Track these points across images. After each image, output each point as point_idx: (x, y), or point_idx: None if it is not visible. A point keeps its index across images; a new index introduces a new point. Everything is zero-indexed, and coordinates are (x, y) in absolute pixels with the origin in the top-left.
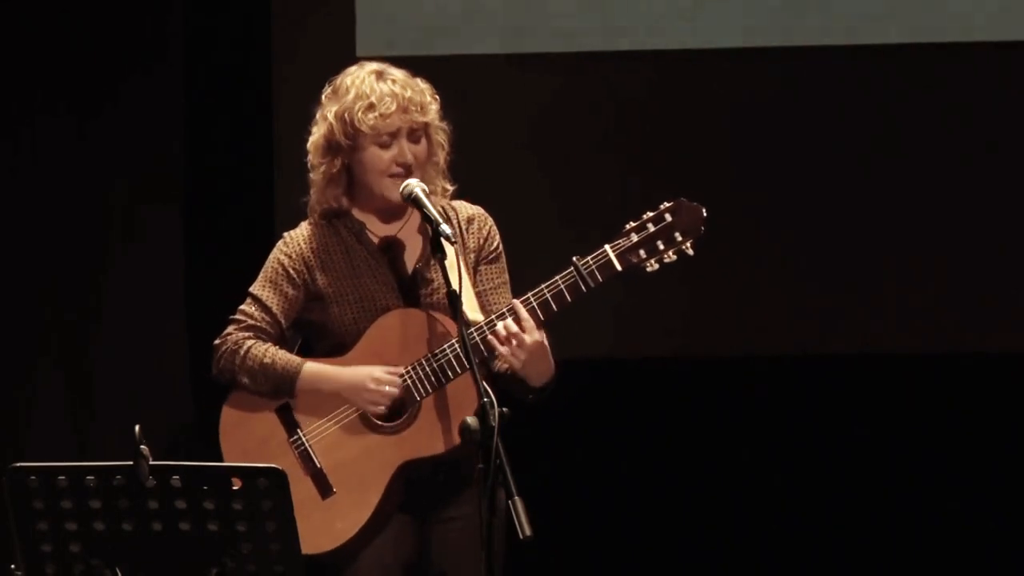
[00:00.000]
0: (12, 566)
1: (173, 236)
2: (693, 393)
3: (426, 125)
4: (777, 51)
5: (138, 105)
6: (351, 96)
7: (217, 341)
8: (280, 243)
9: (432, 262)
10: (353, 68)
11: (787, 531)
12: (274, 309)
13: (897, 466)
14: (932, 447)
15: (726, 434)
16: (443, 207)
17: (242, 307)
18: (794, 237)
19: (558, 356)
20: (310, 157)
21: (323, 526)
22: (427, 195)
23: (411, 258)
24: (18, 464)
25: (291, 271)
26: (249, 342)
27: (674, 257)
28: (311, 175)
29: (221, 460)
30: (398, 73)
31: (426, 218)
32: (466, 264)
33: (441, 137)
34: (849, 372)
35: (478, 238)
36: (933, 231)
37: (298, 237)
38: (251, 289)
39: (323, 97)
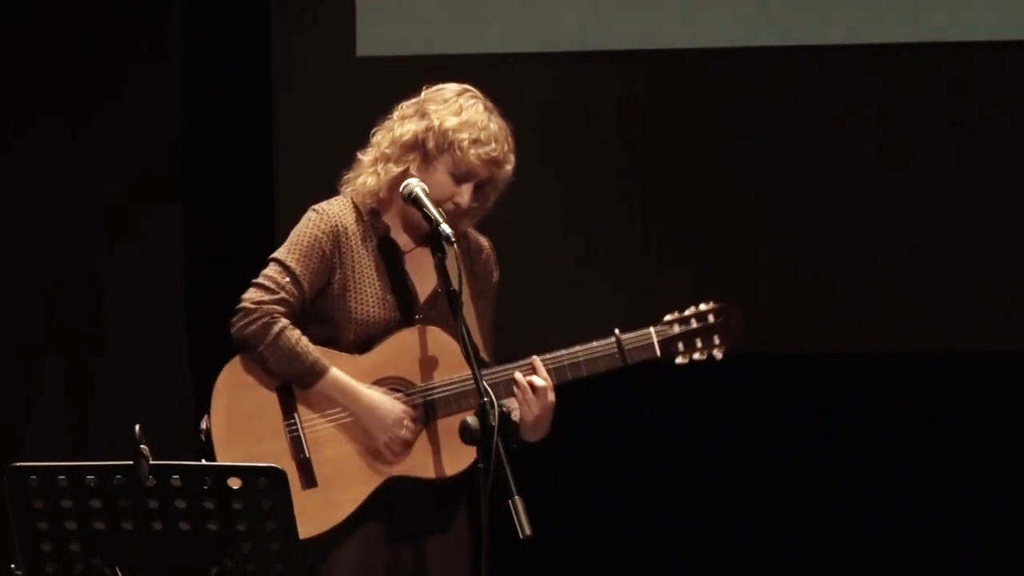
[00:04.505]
0: (12, 566)
1: (173, 236)
2: (693, 393)
3: (492, 180)
4: (777, 51)
5: (138, 105)
6: (462, 118)
7: (249, 305)
8: (315, 216)
9: (442, 282)
10: (455, 87)
11: (787, 530)
12: (304, 285)
13: (897, 466)
14: (932, 447)
15: (726, 433)
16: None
17: (271, 275)
18: (794, 237)
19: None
20: (388, 146)
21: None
22: (427, 195)
23: (422, 275)
24: (18, 464)
25: (325, 249)
26: (284, 320)
27: (703, 357)
28: (372, 162)
29: (201, 435)
30: (501, 120)
31: (426, 217)
32: (471, 292)
33: (494, 195)
34: (849, 372)
35: (483, 271)
36: (933, 231)
37: (334, 216)
38: (281, 258)
39: (423, 94)
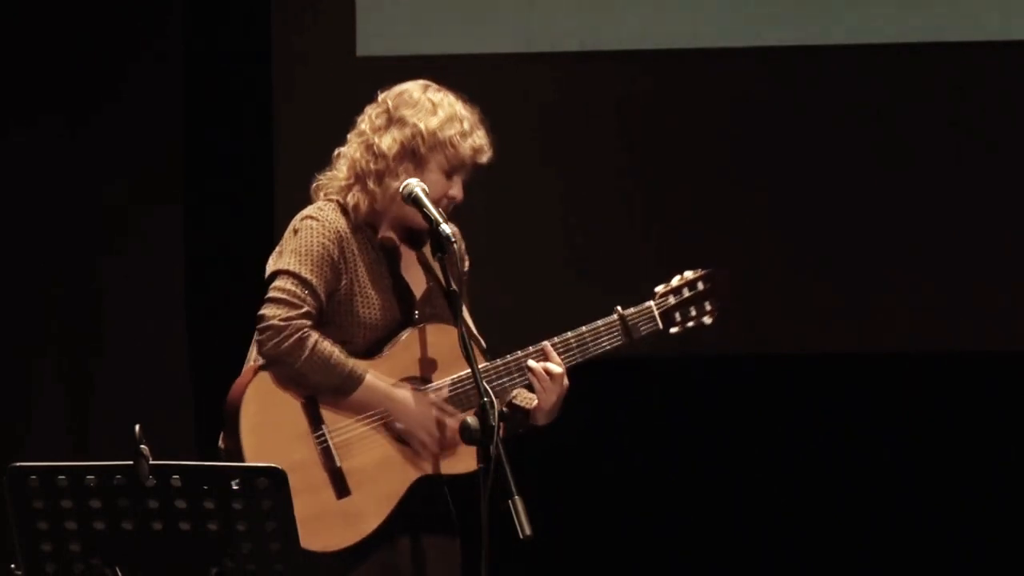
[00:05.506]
0: (12, 566)
1: (173, 236)
2: (693, 393)
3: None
4: (777, 51)
5: (138, 105)
6: (441, 115)
7: (278, 322)
8: (317, 224)
9: (432, 280)
10: (416, 85)
11: (787, 530)
12: (321, 295)
13: (897, 465)
14: (932, 447)
15: (726, 433)
16: None
17: (290, 288)
18: (794, 237)
19: None
20: (374, 162)
21: (335, 525)
22: (427, 195)
23: (411, 275)
24: (18, 464)
25: (334, 256)
26: (315, 334)
27: (693, 324)
28: (359, 174)
29: (221, 454)
30: (469, 106)
31: (426, 218)
32: (461, 288)
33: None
34: (849, 372)
35: (459, 258)
36: (933, 231)
37: (335, 222)
38: (294, 270)
39: (388, 102)
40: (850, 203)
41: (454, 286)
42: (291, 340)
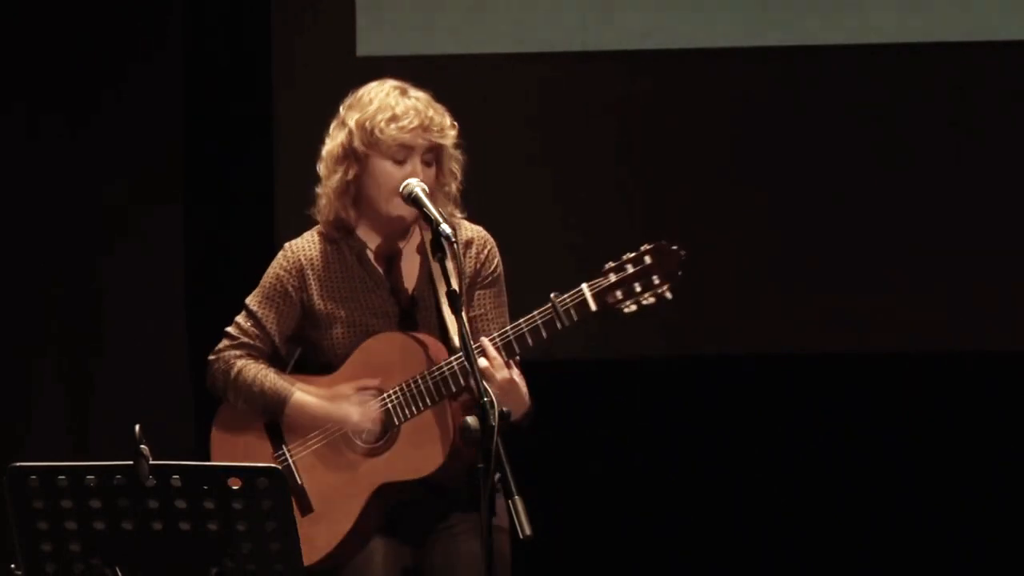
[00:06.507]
0: (12, 566)
1: (173, 236)
2: (693, 393)
3: (440, 149)
4: (777, 51)
5: (138, 105)
6: (374, 107)
7: (211, 357)
8: (280, 255)
9: (427, 285)
10: (374, 84)
11: (787, 531)
12: (268, 326)
13: (897, 466)
14: (932, 447)
15: (725, 433)
16: None
17: (238, 320)
18: (794, 236)
19: (558, 355)
20: (322, 166)
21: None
22: (427, 195)
23: (410, 282)
24: (18, 464)
25: (289, 287)
26: (240, 362)
27: (652, 300)
28: (321, 185)
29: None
30: (420, 93)
31: (426, 217)
32: (461, 288)
33: (454, 165)
34: (849, 372)
35: (476, 262)
36: (933, 231)
37: (299, 251)
38: (248, 302)
39: (341, 108)
40: (850, 203)
41: (454, 285)
42: (218, 373)
